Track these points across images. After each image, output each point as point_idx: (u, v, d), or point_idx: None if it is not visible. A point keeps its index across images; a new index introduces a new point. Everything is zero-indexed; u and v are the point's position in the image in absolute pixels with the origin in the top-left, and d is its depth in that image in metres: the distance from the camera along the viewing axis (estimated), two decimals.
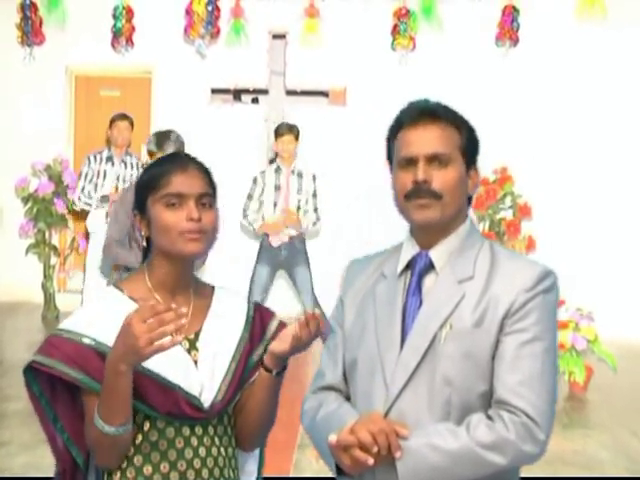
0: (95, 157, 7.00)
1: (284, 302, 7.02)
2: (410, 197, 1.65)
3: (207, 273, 4.57)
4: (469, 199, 1.74)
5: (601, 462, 4.49)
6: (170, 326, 1.47)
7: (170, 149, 4.50)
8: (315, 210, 6.63)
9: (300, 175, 6.62)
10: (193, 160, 1.77)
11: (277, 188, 6.61)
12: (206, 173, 1.76)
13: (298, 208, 6.57)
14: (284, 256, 6.46)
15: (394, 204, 1.72)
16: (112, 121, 6.97)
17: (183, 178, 1.70)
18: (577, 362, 5.65)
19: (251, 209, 6.69)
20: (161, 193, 1.69)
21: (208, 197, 1.72)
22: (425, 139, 1.66)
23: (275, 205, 6.58)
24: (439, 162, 1.65)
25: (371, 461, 1.50)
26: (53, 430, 1.72)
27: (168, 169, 1.71)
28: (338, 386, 1.77)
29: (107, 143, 7.20)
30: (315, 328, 1.62)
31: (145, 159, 7.01)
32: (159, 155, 4.48)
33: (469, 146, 1.71)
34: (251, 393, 1.72)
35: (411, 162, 1.66)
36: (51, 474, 1.76)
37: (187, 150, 4.61)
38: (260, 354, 1.77)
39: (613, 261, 7.60)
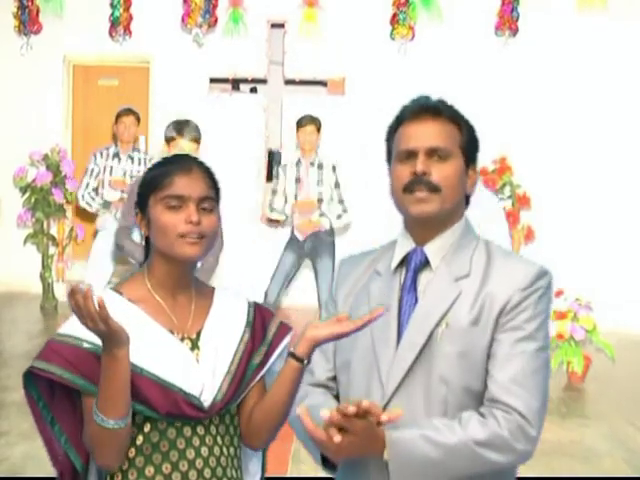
0: (102, 153, 6.95)
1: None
2: (408, 189, 1.63)
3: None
4: (467, 199, 1.72)
5: (598, 452, 4.50)
6: (80, 300, 1.45)
7: (189, 135, 4.49)
8: (340, 202, 6.54)
9: (320, 167, 6.54)
10: (197, 162, 1.74)
11: (297, 181, 6.57)
12: (210, 176, 1.73)
13: (320, 200, 6.51)
14: (309, 247, 6.41)
15: (391, 198, 1.70)
16: (118, 116, 6.90)
17: (186, 180, 1.68)
18: (575, 352, 5.66)
19: (277, 204, 6.64)
20: (162, 194, 1.68)
21: (210, 201, 1.70)
22: (425, 133, 1.64)
23: (296, 198, 6.55)
24: (439, 156, 1.63)
25: (338, 438, 1.43)
26: (50, 434, 1.71)
27: (171, 170, 1.69)
28: (327, 384, 1.76)
29: (113, 139, 7.15)
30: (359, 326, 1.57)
31: (149, 154, 7.01)
32: (178, 141, 4.47)
33: (469, 145, 1.69)
34: (277, 386, 1.68)
35: (410, 155, 1.64)
36: (49, 465, 1.76)
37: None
38: (262, 355, 1.76)
39: (612, 251, 7.60)
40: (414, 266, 1.68)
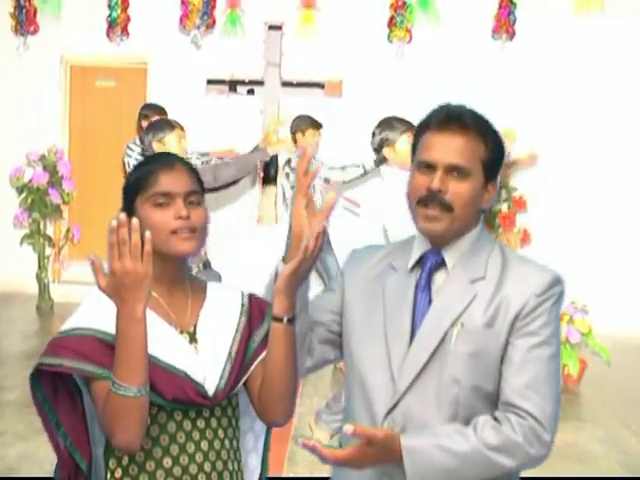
0: (132, 148, 6.94)
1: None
2: (422, 203, 1.64)
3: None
4: (482, 210, 1.71)
5: (594, 455, 4.51)
6: (127, 234, 1.46)
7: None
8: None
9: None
10: (179, 159, 1.76)
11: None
12: (193, 171, 1.75)
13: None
14: None
15: (406, 202, 1.70)
16: (143, 113, 6.89)
17: (170, 176, 1.69)
18: (571, 355, 5.67)
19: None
20: (149, 193, 1.68)
21: (196, 194, 1.71)
22: (448, 147, 1.63)
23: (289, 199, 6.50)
24: (458, 173, 1.63)
25: (350, 428, 1.48)
26: (57, 437, 1.71)
27: (155, 168, 1.70)
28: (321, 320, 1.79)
29: (138, 132, 7.13)
30: (323, 240, 1.57)
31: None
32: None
33: (492, 160, 1.67)
34: (269, 354, 1.68)
35: (430, 167, 1.64)
36: (45, 465, 1.77)
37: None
38: (261, 338, 1.76)
39: (608, 254, 7.62)
40: (429, 266, 1.69)
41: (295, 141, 6.49)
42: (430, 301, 1.66)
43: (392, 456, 1.53)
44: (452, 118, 1.65)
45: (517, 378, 1.57)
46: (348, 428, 1.48)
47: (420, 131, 1.70)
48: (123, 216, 1.46)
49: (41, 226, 7.74)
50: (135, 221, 1.47)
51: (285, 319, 1.63)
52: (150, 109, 6.72)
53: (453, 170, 1.63)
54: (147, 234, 1.48)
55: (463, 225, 1.67)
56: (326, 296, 1.85)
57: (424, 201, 1.63)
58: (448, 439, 1.54)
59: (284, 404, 1.71)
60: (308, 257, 1.56)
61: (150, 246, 1.48)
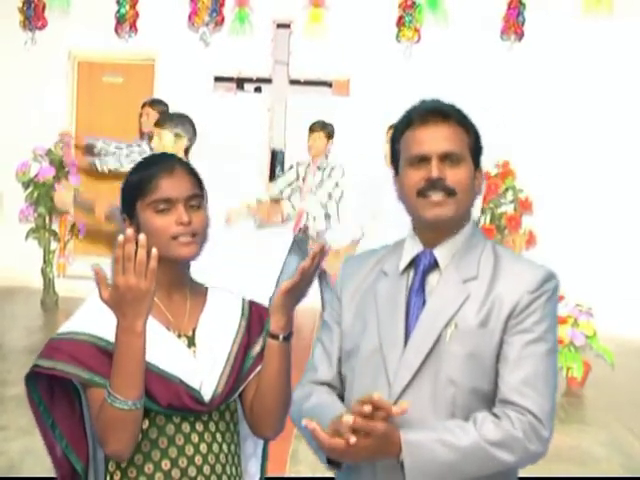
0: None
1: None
2: (422, 194, 1.63)
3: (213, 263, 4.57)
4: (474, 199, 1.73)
5: (596, 458, 4.50)
6: (132, 249, 1.46)
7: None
8: (327, 216, 6.30)
9: (324, 172, 6.40)
10: (179, 161, 1.75)
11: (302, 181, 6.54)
12: (193, 173, 1.74)
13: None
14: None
15: (401, 202, 1.69)
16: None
17: (170, 182, 1.68)
18: (575, 358, 5.65)
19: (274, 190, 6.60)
20: (150, 199, 1.67)
21: (196, 198, 1.70)
22: (437, 137, 1.64)
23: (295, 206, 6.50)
24: (451, 161, 1.64)
25: (353, 439, 1.45)
26: (52, 438, 1.70)
27: (154, 173, 1.69)
28: (332, 382, 1.76)
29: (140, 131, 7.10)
30: (320, 260, 1.59)
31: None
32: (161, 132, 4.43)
33: (476, 147, 1.70)
34: (263, 369, 1.69)
35: (423, 160, 1.64)
36: (48, 460, 1.75)
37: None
38: (261, 347, 1.76)
39: (613, 257, 7.60)
40: (423, 268, 1.68)
41: None
42: (424, 303, 1.66)
43: (391, 449, 1.51)
44: (433, 111, 1.66)
45: (513, 375, 1.57)
46: (347, 419, 1.46)
47: (399, 132, 1.70)
48: (131, 231, 1.47)
49: (47, 221, 7.75)
50: (142, 237, 1.47)
51: (281, 337, 1.64)
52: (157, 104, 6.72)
53: (446, 158, 1.64)
54: (154, 251, 1.47)
55: (465, 210, 1.67)
56: (328, 339, 1.79)
57: (424, 191, 1.63)
58: (448, 433, 1.53)
59: (274, 419, 1.72)
60: (305, 276, 1.58)
61: (155, 263, 1.48)
